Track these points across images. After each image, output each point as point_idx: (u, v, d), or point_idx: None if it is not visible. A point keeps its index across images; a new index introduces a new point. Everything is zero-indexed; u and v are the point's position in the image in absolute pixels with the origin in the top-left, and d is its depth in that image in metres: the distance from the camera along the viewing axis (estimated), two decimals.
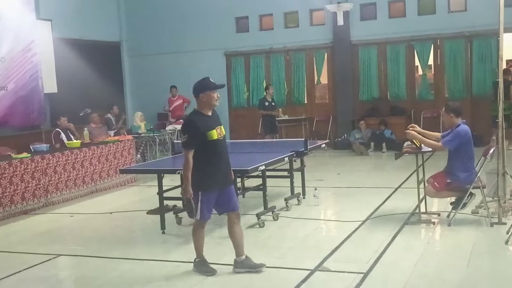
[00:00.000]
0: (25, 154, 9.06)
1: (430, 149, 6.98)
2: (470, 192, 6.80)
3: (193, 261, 5.67)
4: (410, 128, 7.03)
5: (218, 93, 5.33)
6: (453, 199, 7.12)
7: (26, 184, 8.81)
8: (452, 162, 6.87)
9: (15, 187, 8.61)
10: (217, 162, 5.32)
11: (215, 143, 5.27)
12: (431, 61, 14.89)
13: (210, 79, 5.41)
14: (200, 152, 5.20)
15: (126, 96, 17.42)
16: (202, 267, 5.59)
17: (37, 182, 9.02)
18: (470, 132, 6.83)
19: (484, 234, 6.42)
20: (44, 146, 9.79)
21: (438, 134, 7.20)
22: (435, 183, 6.88)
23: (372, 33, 14.75)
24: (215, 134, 5.25)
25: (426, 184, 7.05)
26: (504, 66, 16.22)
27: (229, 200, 5.47)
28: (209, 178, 5.27)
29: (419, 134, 6.97)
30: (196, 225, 5.56)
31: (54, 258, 6.45)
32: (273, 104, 14.40)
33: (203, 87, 5.33)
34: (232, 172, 5.65)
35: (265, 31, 16.07)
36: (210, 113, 5.34)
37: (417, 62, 14.99)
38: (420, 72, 15.12)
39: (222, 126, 5.41)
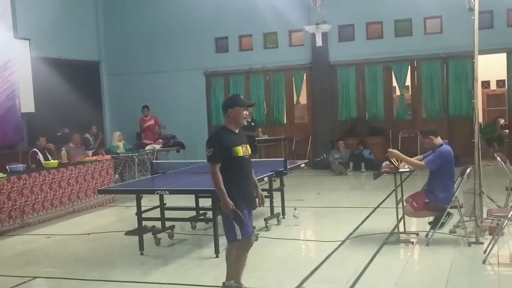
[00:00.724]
0: (1, 174, 8.92)
1: (408, 169, 7.04)
2: (448, 211, 6.87)
3: (222, 285, 5.31)
4: (389, 150, 7.11)
5: (247, 111, 5.24)
6: (431, 218, 7.18)
7: (2, 205, 8.65)
8: (432, 181, 6.94)
9: None
10: (245, 180, 5.14)
11: (240, 161, 5.08)
12: (408, 82, 15.12)
13: (241, 96, 5.43)
14: (227, 169, 5.02)
15: (104, 116, 17.31)
16: None
17: (13, 202, 8.87)
18: (452, 152, 6.91)
19: (462, 253, 6.47)
20: (20, 166, 9.66)
21: (420, 157, 7.27)
22: (414, 202, 6.93)
23: (350, 54, 14.94)
24: (240, 151, 5.07)
25: (405, 204, 7.10)
26: (479, 87, 16.70)
27: (249, 225, 5.17)
28: (239, 196, 5.02)
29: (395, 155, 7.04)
30: (236, 249, 5.14)
31: (29, 280, 6.33)
32: (252, 124, 14.42)
33: (233, 102, 5.22)
34: (262, 196, 5.37)
35: (244, 51, 16.17)
36: (236, 131, 5.19)
37: (394, 83, 15.20)
38: (398, 92, 15.33)
39: (248, 146, 5.24)
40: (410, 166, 7.01)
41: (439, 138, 7.03)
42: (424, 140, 7.15)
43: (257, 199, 5.30)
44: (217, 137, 5.10)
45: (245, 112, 5.18)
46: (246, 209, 5.08)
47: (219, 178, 4.98)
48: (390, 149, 7.07)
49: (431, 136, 6.97)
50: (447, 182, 6.84)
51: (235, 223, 4.95)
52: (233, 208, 4.91)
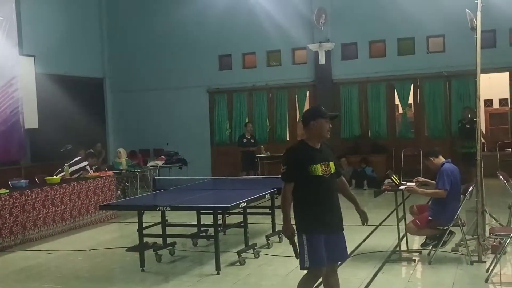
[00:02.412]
0: (3, 190, 8.92)
1: (408, 186, 7.05)
2: (450, 230, 6.84)
3: None
4: (414, 180, 7.19)
5: (330, 124, 4.69)
6: (423, 238, 7.17)
7: (3, 220, 8.65)
8: (437, 199, 6.90)
9: None
10: (324, 201, 4.58)
11: (319, 180, 4.52)
12: (411, 100, 15.14)
13: (323, 107, 4.86)
14: (303, 188, 4.52)
15: (108, 132, 17.37)
16: None
17: (15, 218, 8.87)
18: (456, 170, 6.90)
19: (465, 272, 6.42)
20: (23, 182, 9.66)
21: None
22: (417, 221, 6.92)
23: (353, 72, 15.00)
24: (318, 169, 4.51)
25: (408, 222, 7.08)
26: (482, 106, 16.55)
27: (333, 249, 4.59)
28: (314, 219, 4.51)
29: (423, 183, 7.19)
30: (306, 275, 4.60)
31: None
32: (252, 141, 14.43)
33: (315, 114, 4.69)
34: (363, 213, 4.98)
35: (248, 69, 16.25)
36: (318, 146, 4.63)
37: (397, 101, 15.23)
38: (401, 110, 15.35)
39: (332, 163, 4.66)
40: (411, 187, 7.01)
41: (440, 157, 7.03)
42: (427, 162, 7.19)
43: (361, 218, 4.94)
44: (292, 154, 4.61)
45: (328, 125, 4.65)
46: (324, 234, 4.51)
47: (288, 200, 4.51)
48: (408, 186, 7.06)
49: (430, 158, 7.02)
50: (452, 200, 6.80)
51: (304, 249, 4.47)
52: (292, 236, 4.48)
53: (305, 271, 4.55)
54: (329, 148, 4.77)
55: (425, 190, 7.03)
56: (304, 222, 4.52)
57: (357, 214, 5.00)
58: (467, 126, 12.92)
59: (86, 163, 11.14)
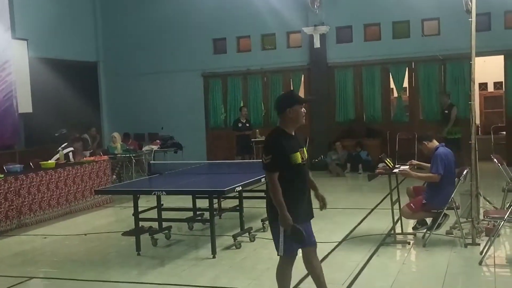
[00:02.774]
0: None
1: (402, 169, 7.07)
2: (445, 213, 6.88)
3: None
4: (408, 163, 7.21)
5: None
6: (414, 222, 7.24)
7: None
8: (432, 182, 6.92)
9: None
10: (303, 189, 4.59)
11: (298, 168, 4.49)
12: (406, 84, 15.13)
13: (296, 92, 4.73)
14: (284, 178, 4.41)
15: (102, 116, 17.31)
16: None
17: (10, 203, 8.86)
18: (450, 155, 6.92)
19: (459, 255, 6.48)
20: (18, 167, 9.64)
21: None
22: (411, 204, 6.95)
23: (348, 55, 14.95)
24: (298, 157, 4.46)
25: (402, 206, 7.11)
26: (477, 89, 16.52)
27: (310, 235, 4.64)
28: (294, 208, 4.42)
29: (417, 166, 7.24)
30: (281, 262, 4.66)
31: (26, 280, 6.33)
32: (247, 125, 14.41)
33: (291, 100, 4.55)
34: (323, 198, 4.98)
35: (242, 52, 16.18)
36: (293, 133, 4.56)
37: (392, 85, 15.21)
38: (395, 94, 15.35)
39: (305, 149, 4.61)
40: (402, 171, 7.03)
41: (434, 141, 7.07)
42: (420, 146, 7.22)
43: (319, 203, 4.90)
44: (277, 143, 4.45)
45: (303, 110, 4.54)
46: (302, 223, 4.46)
47: (279, 189, 4.37)
48: (401, 170, 7.06)
49: (424, 142, 7.05)
50: (446, 184, 6.83)
51: (280, 238, 4.47)
52: (293, 224, 4.33)
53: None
54: (298, 133, 4.66)
55: (419, 174, 7.06)
56: (289, 212, 4.37)
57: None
58: (446, 112, 13.10)
59: (70, 149, 11.06)
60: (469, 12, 6.94)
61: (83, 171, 10.54)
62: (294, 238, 4.36)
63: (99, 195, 10.58)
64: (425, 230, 7.10)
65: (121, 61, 16.99)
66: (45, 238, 8.45)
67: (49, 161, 10.33)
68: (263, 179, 7.80)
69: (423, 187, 7.30)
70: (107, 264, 6.97)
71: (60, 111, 14.13)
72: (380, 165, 7.37)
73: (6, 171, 9.41)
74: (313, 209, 4.78)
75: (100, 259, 7.18)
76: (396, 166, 7.27)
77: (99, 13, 17.11)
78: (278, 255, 4.58)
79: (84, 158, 11.47)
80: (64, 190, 10.03)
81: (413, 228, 7.27)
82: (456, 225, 7.08)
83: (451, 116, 12.92)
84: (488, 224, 7.08)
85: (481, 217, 7.12)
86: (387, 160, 7.03)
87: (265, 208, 4.65)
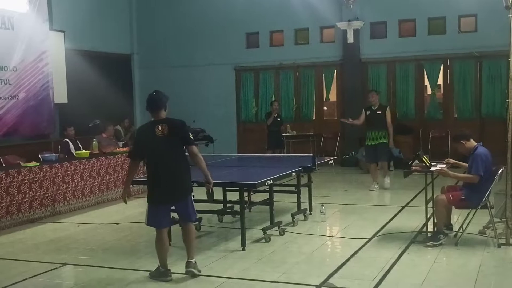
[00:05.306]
0: (34, 163, 9.11)
1: (440, 168, 6.98)
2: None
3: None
4: (445, 161, 7.14)
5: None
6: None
7: (34, 193, 8.84)
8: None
9: (23, 195, 8.65)
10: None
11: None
12: (440, 81, 14.89)
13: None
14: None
15: (135, 108, 17.50)
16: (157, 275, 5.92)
17: (45, 191, 9.06)
18: (489, 155, 6.80)
19: (491, 255, 6.38)
20: (53, 156, 9.84)
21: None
22: (450, 195, 6.85)
23: (382, 51, 14.80)
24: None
25: (438, 194, 7.00)
26: None
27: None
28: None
29: (453, 165, 7.15)
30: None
31: (59, 267, 6.47)
32: (278, 119, 14.36)
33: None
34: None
35: (275, 47, 16.14)
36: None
37: (426, 82, 15.00)
38: (429, 91, 15.13)
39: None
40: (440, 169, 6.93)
41: (472, 141, 6.95)
42: (456, 145, 7.09)
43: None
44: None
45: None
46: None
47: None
48: (439, 168, 6.97)
49: (462, 141, 6.91)
50: (485, 183, 6.72)
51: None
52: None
53: None
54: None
55: (457, 174, 6.93)
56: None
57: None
58: (378, 112, 11.18)
59: (95, 139, 11.22)
60: (508, 8, 6.78)
61: (116, 162, 10.69)
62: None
63: (131, 186, 10.65)
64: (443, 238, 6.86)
65: (155, 54, 17.14)
66: (78, 226, 8.61)
67: (83, 151, 10.51)
68: (293, 174, 7.82)
69: (458, 186, 7.19)
70: (138, 253, 7.07)
71: (94, 102, 14.32)
72: (415, 162, 7.27)
73: (41, 159, 9.60)
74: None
75: (131, 248, 7.29)
76: (433, 164, 7.17)
77: (134, 6, 17.27)
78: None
79: (117, 149, 11.63)
80: (97, 179, 10.20)
81: (430, 239, 6.88)
82: (490, 224, 6.97)
83: (386, 118, 11.09)
84: None
85: None
86: (424, 157, 6.95)
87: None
